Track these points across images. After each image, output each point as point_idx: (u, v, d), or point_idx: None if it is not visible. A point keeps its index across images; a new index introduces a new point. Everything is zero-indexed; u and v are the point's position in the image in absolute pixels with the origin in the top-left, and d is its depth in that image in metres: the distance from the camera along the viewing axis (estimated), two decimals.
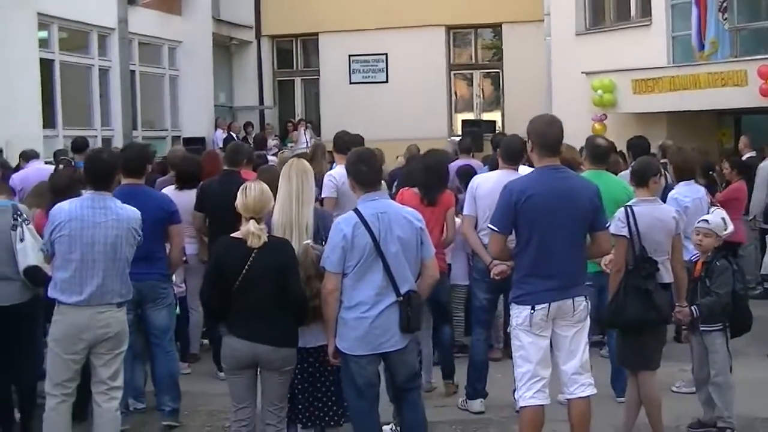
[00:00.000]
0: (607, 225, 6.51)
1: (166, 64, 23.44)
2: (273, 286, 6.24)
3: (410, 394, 6.52)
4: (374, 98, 25.09)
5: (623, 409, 7.43)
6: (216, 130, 23.97)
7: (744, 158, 13.63)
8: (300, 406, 6.68)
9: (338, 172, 9.88)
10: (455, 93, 26.50)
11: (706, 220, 7.56)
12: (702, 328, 7.43)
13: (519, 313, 6.24)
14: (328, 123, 25.26)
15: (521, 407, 6.31)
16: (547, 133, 6.32)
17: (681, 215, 7.40)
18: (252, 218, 6.29)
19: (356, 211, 6.28)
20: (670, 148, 13.11)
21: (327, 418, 6.69)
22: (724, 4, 16.29)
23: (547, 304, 6.15)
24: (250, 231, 6.24)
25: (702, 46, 16.53)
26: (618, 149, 13.43)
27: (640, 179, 7.37)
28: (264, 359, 6.30)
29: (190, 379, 9.17)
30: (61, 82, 19.29)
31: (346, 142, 10.41)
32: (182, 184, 9.91)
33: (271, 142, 23.33)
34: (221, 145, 22.05)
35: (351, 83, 26.11)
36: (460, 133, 22.64)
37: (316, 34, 26.61)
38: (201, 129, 23.63)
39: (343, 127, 23.65)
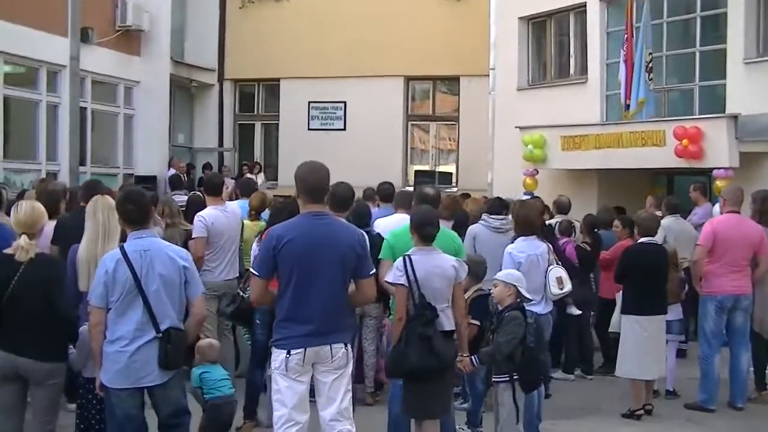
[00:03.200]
0: (371, 272, 6.54)
1: (121, 103, 23.66)
2: (40, 301, 6.40)
3: (174, 430, 6.55)
4: (331, 145, 25.13)
5: None
6: (169, 169, 24.14)
7: None
8: None
9: (208, 213, 10.06)
10: (411, 143, 26.62)
11: (509, 272, 7.64)
12: (493, 379, 7.46)
13: (276, 357, 6.28)
14: (286, 167, 25.53)
15: None
16: (309, 180, 6.43)
17: (462, 264, 7.40)
18: (24, 233, 6.49)
19: (121, 248, 6.37)
20: (564, 202, 13.22)
21: None
22: (651, 65, 16.38)
23: (302, 349, 6.20)
24: (20, 245, 6.47)
25: (628, 106, 16.61)
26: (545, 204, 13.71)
27: (419, 230, 7.38)
28: (27, 372, 6.45)
29: None
30: (4, 116, 19.47)
31: (216, 185, 10.62)
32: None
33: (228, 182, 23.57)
34: (168, 184, 22.41)
35: (309, 129, 26.33)
36: (412, 183, 22.80)
37: (278, 79, 26.89)
38: (154, 168, 23.85)
39: None
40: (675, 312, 10.62)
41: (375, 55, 24.93)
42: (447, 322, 7.23)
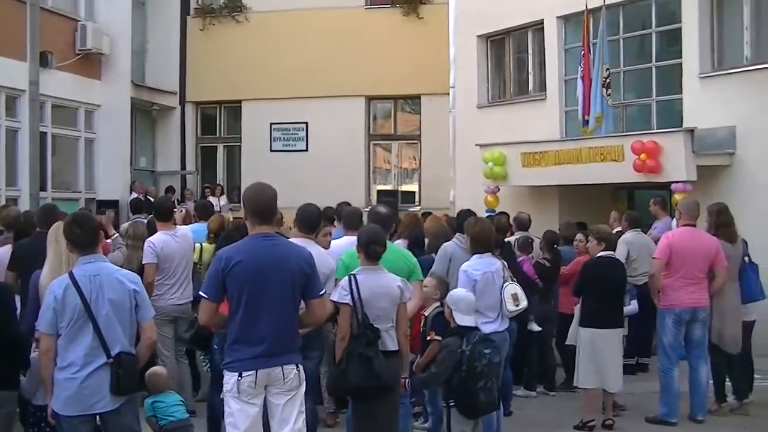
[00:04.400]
0: (321, 293, 6.53)
1: (82, 127, 23.46)
2: None
3: None
4: (294, 166, 25.20)
5: None
6: (131, 193, 24.03)
7: (614, 232, 13.67)
8: None
9: (158, 239, 10.10)
10: (374, 163, 26.65)
11: (456, 293, 7.68)
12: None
13: (228, 380, 6.25)
14: None
15: None
16: (258, 201, 6.42)
17: (406, 284, 7.43)
18: None
19: (70, 273, 6.31)
20: (524, 219, 13.24)
21: None
22: (608, 80, 16.49)
23: (254, 371, 6.17)
24: None
25: (586, 122, 16.70)
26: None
27: (365, 248, 7.41)
28: None
29: None
30: None
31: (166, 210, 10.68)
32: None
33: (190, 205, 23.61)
34: (130, 208, 22.33)
35: (272, 150, 26.30)
36: (375, 203, 22.76)
37: (240, 101, 26.86)
38: (116, 192, 23.69)
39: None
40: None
41: (336, 75, 24.96)
42: (391, 342, 7.26)
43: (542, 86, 19.11)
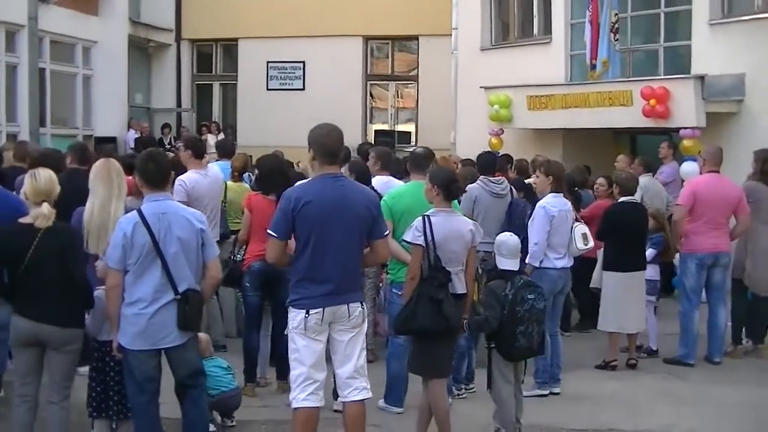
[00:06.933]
0: (385, 233, 6.62)
1: (79, 63, 23.42)
2: (57, 268, 6.42)
3: (192, 391, 6.65)
4: (291, 105, 25.22)
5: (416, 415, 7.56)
6: (129, 130, 24.00)
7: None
8: (93, 394, 6.85)
9: (189, 177, 10.05)
10: (371, 103, 26.64)
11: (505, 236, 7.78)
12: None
13: (295, 317, 6.35)
14: (245, 128, 25.73)
15: (294, 408, 6.41)
16: (325, 143, 6.45)
17: (477, 228, 7.49)
18: (44, 201, 6.51)
19: (139, 210, 6.39)
20: (537, 160, 13.31)
21: (112, 412, 6.81)
22: (616, 26, 16.54)
23: (321, 309, 6.28)
24: (43, 213, 6.48)
25: (594, 66, 16.76)
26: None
27: (446, 187, 7.37)
28: (47, 338, 6.47)
29: None
30: None
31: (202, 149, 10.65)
32: None
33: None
34: (132, 146, 22.27)
35: (268, 89, 26.28)
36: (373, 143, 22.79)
37: (236, 39, 26.78)
38: (114, 129, 23.72)
39: (259, 132, 24.10)
40: (651, 272, 10.85)
41: (334, 14, 24.90)
42: (460, 285, 7.30)
43: (547, 29, 19.09)
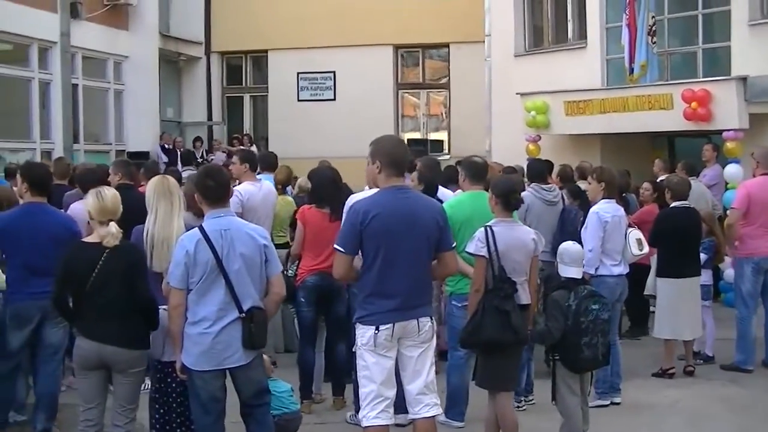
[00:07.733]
0: (452, 245, 6.48)
1: (111, 78, 23.39)
2: (123, 288, 6.35)
3: (257, 410, 6.53)
4: (322, 116, 25.20)
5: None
6: (161, 144, 24.01)
7: (658, 181, 13.66)
8: (157, 416, 6.77)
9: (245, 189, 10.01)
10: (402, 112, 26.53)
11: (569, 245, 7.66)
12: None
13: (363, 333, 6.21)
14: (276, 139, 25.55)
15: (365, 427, 6.28)
16: (394, 154, 6.32)
17: (540, 237, 7.38)
18: (110, 220, 6.44)
19: (200, 228, 6.29)
20: (587, 168, 13.18)
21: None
22: (653, 28, 16.39)
23: (391, 325, 6.14)
24: (111, 232, 6.40)
25: (632, 69, 16.61)
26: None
27: (505, 197, 7.29)
28: (112, 360, 6.40)
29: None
30: None
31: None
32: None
33: (221, 155, 23.87)
34: (165, 160, 22.24)
35: (299, 100, 26.16)
36: None
37: (266, 51, 26.70)
38: (146, 143, 23.61)
39: (291, 143, 24.05)
40: (704, 277, 10.69)
41: (364, 23, 24.74)
42: (524, 296, 7.19)
43: (582, 34, 18.94)
